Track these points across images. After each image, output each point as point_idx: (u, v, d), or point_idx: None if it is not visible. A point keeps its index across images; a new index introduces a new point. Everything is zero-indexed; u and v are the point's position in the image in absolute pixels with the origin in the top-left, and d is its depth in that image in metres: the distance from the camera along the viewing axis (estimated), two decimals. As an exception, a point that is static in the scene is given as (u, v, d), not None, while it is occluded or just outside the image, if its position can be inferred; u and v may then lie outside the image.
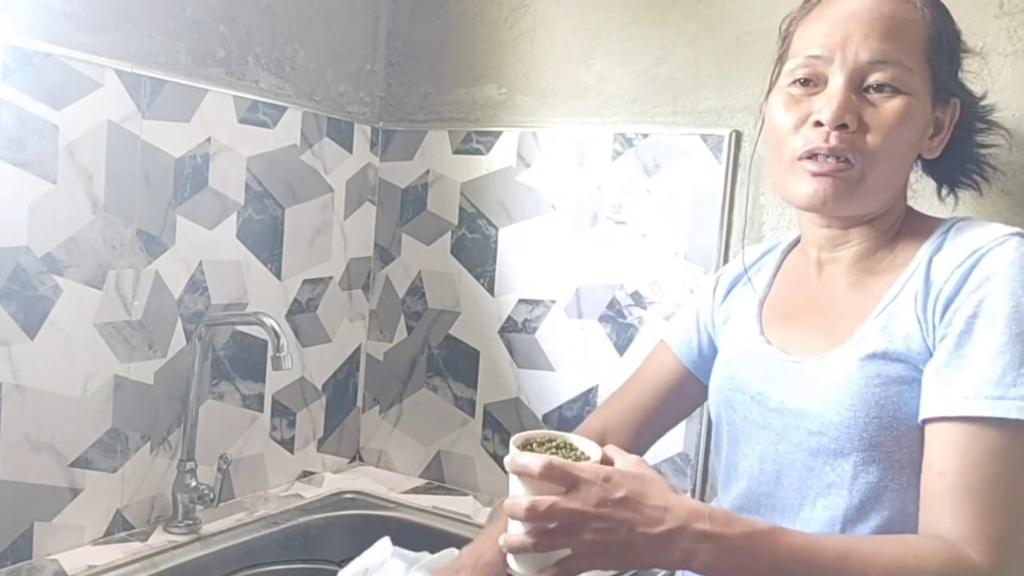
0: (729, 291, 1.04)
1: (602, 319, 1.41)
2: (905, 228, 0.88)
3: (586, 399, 1.43)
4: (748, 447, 0.91)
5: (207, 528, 1.27)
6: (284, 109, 1.42)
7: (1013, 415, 0.72)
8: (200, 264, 1.31)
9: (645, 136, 1.37)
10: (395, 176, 1.63)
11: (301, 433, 1.54)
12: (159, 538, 1.23)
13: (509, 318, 1.51)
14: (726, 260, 1.31)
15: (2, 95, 1.05)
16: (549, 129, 1.46)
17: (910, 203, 0.92)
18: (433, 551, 1.06)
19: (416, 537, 1.02)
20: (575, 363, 1.44)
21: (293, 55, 1.45)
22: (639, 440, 1.08)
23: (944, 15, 0.86)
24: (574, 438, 0.80)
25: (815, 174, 0.82)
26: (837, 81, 0.82)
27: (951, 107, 0.87)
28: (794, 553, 0.71)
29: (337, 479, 1.56)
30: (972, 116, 0.92)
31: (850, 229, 0.88)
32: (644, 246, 1.37)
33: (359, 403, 1.67)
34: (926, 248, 0.82)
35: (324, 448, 1.60)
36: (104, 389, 1.19)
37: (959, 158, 0.93)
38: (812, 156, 0.82)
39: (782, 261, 1.00)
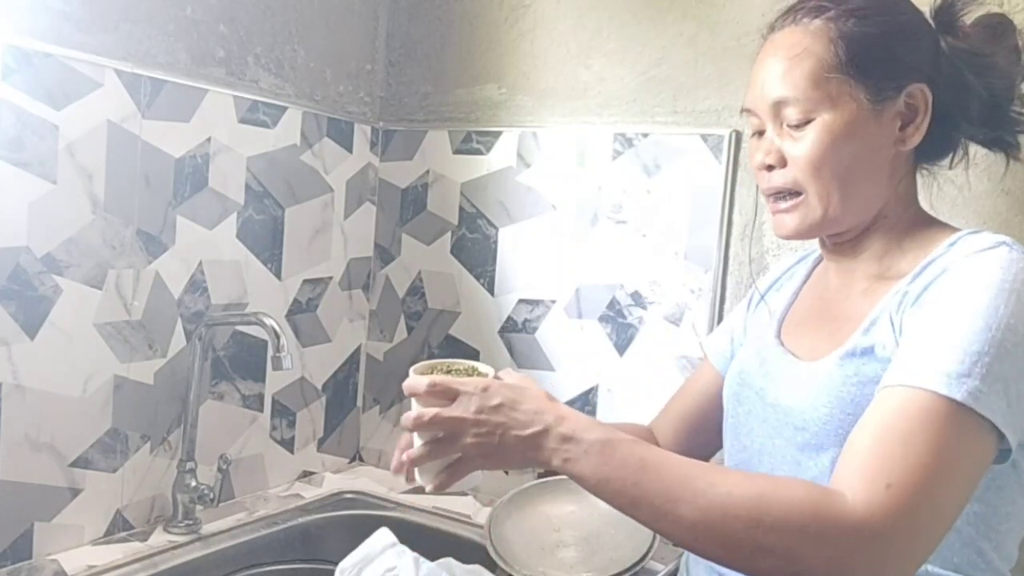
0: (761, 299, 1.06)
1: (602, 319, 1.41)
2: (918, 232, 0.88)
3: (586, 399, 1.43)
4: (749, 440, 0.93)
5: (207, 528, 1.27)
6: (284, 109, 1.42)
7: (955, 396, 0.70)
8: (200, 264, 1.31)
9: (645, 136, 1.37)
10: (395, 176, 1.63)
11: (301, 433, 1.54)
12: (159, 538, 1.23)
13: (509, 318, 1.51)
14: (726, 260, 1.31)
15: (2, 95, 1.05)
16: (549, 129, 1.46)
17: (932, 210, 0.92)
18: (433, 551, 1.07)
19: (416, 537, 1.02)
20: (575, 363, 1.44)
21: (293, 55, 1.45)
22: (687, 449, 1.07)
23: (864, 19, 0.84)
24: (477, 364, 0.89)
25: (776, 212, 0.90)
26: (768, 128, 0.88)
27: (918, 92, 0.85)
28: (644, 462, 0.75)
29: (337, 479, 1.56)
30: (976, 72, 0.87)
31: (851, 242, 0.90)
32: (644, 246, 1.37)
33: (359, 403, 1.67)
34: (930, 256, 0.82)
35: (324, 448, 1.60)
36: (104, 389, 1.19)
37: (989, 122, 0.89)
38: (768, 195, 0.90)
39: (813, 269, 1.02)
